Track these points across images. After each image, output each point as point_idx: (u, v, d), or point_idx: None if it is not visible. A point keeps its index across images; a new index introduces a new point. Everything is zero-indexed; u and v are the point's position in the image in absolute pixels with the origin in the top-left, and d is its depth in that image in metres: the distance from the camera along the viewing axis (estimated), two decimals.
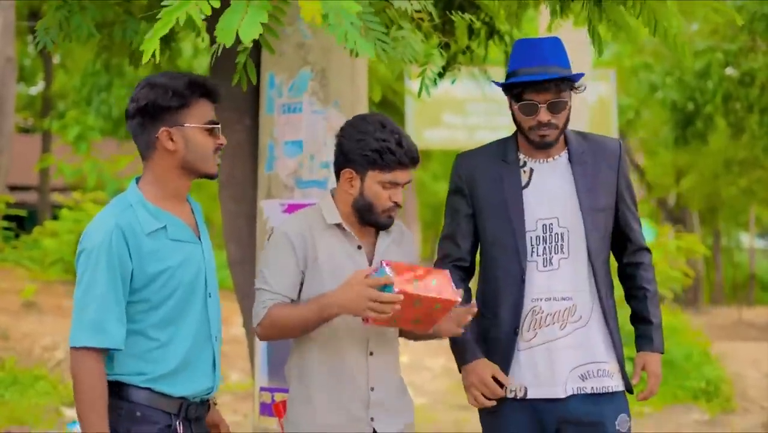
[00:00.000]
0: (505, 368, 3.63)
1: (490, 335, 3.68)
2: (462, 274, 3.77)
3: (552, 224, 3.60)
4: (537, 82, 3.54)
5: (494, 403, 3.65)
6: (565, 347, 3.59)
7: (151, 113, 3.12)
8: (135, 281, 3.08)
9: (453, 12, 4.73)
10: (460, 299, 3.35)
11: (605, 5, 4.25)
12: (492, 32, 5.15)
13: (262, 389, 4.59)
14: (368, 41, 3.43)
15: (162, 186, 3.17)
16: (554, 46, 3.60)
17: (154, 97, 3.11)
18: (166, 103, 3.10)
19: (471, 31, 5.09)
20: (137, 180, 3.21)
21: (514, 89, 3.60)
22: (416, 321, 3.37)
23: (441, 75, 5.11)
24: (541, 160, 3.66)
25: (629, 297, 3.80)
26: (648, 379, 3.72)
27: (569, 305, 3.59)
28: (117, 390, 3.08)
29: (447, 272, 3.39)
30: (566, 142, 3.68)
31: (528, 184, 3.65)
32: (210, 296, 3.24)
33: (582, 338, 3.59)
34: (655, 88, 18.25)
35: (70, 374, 3.06)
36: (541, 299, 3.60)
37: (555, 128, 3.58)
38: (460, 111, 17.66)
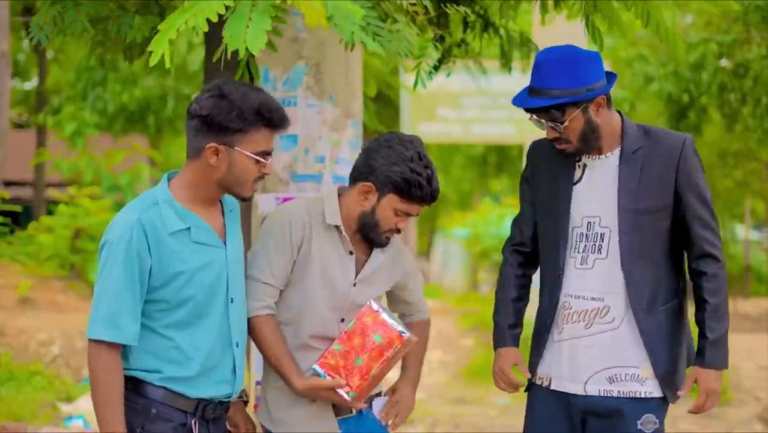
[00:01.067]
0: (536, 356, 3.69)
1: (535, 323, 3.74)
2: (521, 259, 3.82)
3: (595, 222, 3.59)
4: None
5: (514, 391, 3.73)
6: (589, 346, 3.59)
7: (207, 124, 3.08)
8: (153, 279, 3.07)
9: (447, 5, 4.72)
10: (405, 335, 3.43)
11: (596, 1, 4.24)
12: (486, 25, 5.14)
13: (257, 383, 4.59)
14: (368, 35, 3.45)
15: (193, 190, 3.16)
16: (563, 64, 3.51)
17: (216, 111, 3.06)
18: (225, 123, 3.07)
19: (466, 24, 5.08)
20: (169, 177, 3.20)
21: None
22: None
23: (436, 68, 5.10)
24: (594, 157, 3.64)
25: (696, 307, 3.70)
26: (699, 393, 3.62)
27: (599, 306, 3.57)
28: (133, 386, 3.09)
29: (369, 306, 3.46)
30: (623, 139, 3.62)
31: (580, 179, 3.64)
32: (232, 301, 3.23)
33: (611, 340, 3.57)
34: (651, 79, 18.23)
35: (88, 367, 3.07)
36: (572, 296, 3.61)
37: (567, 142, 3.56)
38: (455, 105, 17.66)
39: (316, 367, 3.41)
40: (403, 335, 3.42)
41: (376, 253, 3.59)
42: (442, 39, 5.03)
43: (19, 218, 18.42)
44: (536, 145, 3.82)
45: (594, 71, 3.54)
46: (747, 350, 13.09)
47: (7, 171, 15.97)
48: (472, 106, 17.71)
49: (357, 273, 3.56)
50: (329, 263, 3.50)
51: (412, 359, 3.71)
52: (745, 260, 29.59)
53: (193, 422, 3.14)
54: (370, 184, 3.47)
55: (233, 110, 3.07)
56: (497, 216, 25.28)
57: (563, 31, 7.02)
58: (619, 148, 3.61)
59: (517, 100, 3.61)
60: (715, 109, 17.45)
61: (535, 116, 3.58)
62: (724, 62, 16.77)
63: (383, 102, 13.49)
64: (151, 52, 5.08)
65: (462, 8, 4.71)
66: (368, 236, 3.53)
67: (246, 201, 3.25)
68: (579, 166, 3.66)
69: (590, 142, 3.57)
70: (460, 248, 27.11)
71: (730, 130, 17.77)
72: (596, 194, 3.60)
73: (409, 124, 18.07)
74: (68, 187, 15.54)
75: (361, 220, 3.51)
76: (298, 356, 3.48)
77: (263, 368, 3.60)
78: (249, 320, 3.44)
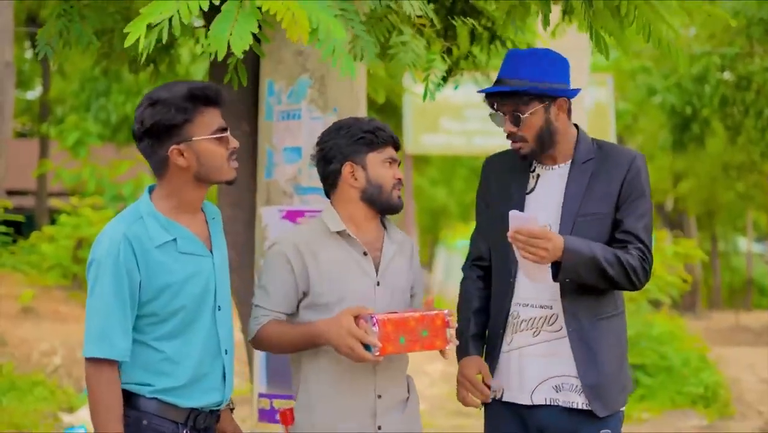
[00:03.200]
0: (491, 368, 3.66)
1: (488, 335, 3.72)
2: (481, 273, 3.81)
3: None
4: (497, 94, 3.57)
5: (478, 403, 3.67)
6: (536, 355, 3.56)
7: (157, 133, 3.07)
8: (143, 293, 3.07)
9: (455, 17, 4.73)
10: (448, 347, 3.39)
11: (597, 15, 4.24)
12: (493, 37, 5.15)
13: (260, 395, 4.59)
14: (357, 48, 3.46)
15: (176, 199, 3.15)
16: (534, 58, 3.55)
17: (158, 117, 3.05)
18: (171, 121, 3.05)
19: (473, 37, 5.09)
20: (150, 190, 3.19)
21: (486, 98, 3.62)
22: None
23: (444, 80, 5.10)
24: (548, 167, 3.64)
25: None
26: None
27: (547, 314, 3.55)
28: (125, 399, 3.08)
29: (445, 314, 3.39)
30: (575, 149, 3.62)
31: (533, 189, 3.64)
32: (219, 309, 3.23)
33: (559, 349, 3.53)
34: (654, 91, 18.27)
35: (86, 384, 3.07)
36: (521, 304, 3.59)
37: (523, 140, 3.55)
38: (458, 116, 17.69)
39: (374, 317, 3.29)
40: (446, 348, 3.41)
41: (387, 245, 3.56)
42: (449, 51, 5.05)
43: (22, 228, 18.42)
44: (490, 160, 3.83)
45: (560, 73, 3.57)
46: (749, 363, 13.08)
47: (10, 180, 16.00)
48: (474, 118, 17.74)
49: (377, 271, 3.53)
50: (348, 270, 3.47)
51: None
52: (748, 273, 29.59)
53: (184, 432, 3.14)
54: (348, 163, 3.49)
55: (170, 107, 3.06)
56: None
57: (566, 45, 7.03)
58: (572, 159, 3.62)
59: (482, 90, 3.63)
60: (718, 121, 17.49)
61: (496, 108, 3.57)
62: (727, 75, 16.81)
63: (387, 114, 13.51)
64: (155, 63, 5.13)
65: (469, 20, 4.72)
66: (381, 205, 3.51)
67: (231, 184, 3.22)
68: (533, 176, 3.65)
69: (545, 146, 3.57)
70: (462, 260, 27.11)
71: (733, 143, 17.80)
72: (548, 203, 3.59)
73: (412, 136, 18.09)
74: (71, 197, 15.55)
75: (366, 196, 3.50)
76: (344, 376, 3.45)
77: (298, 391, 3.55)
78: (253, 340, 3.46)
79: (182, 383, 3.12)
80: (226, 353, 3.24)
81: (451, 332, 3.39)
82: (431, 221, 36.13)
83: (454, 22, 4.73)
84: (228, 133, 3.16)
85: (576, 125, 3.67)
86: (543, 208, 3.59)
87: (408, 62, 3.95)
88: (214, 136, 3.12)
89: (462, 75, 5.29)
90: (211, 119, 3.12)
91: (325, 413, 3.46)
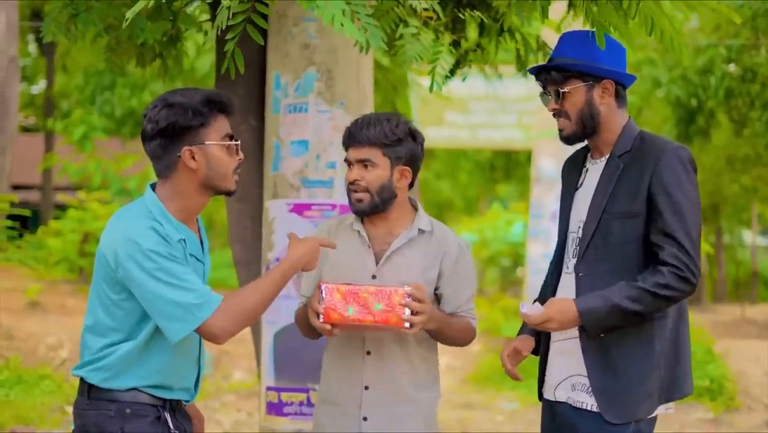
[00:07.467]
0: (544, 359, 3.65)
1: None
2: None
3: (581, 227, 3.51)
4: (541, 71, 3.57)
5: (517, 377, 3.62)
6: (558, 352, 3.56)
7: (171, 134, 3.10)
8: None
9: (463, 10, 4.72)
10: (406, 325, 3.33)
11: (600, 8, 4.22)
12: (502, 29, 5.13)
13: (268, 388, 4.60)
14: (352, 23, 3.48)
15: (181, 203, 3.16)
16: (583, 38, 3.53)
17: (174, 118, 3.08)
18: (187, 123, 3.09)
19: (482, 29, 5.07)
20: (152, 188, 3.19)
21: (537, 80, 3.61)
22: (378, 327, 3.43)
23: (452, 74, 5.09)
24: (594, 160, 3.58)
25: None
26: (542, 314, 3.38)
27: None
28: (103, 394, 3.13)
29: (405, 291, 3.34)
30: (617, 141, 3.52)
31: (582, 184, 3.60)
32: None
33: (574, 349, 3.47)
34: (659, 83, 18.22)
35: (223, 333, 3.08)
36: None
37: (567, 118, 3.51)
38: (463, 110, 17.66)
39: (323, 285, 3.39)
40: (402, 327, 3.34)
41: (398, 239, 3.57)
42: (457, 43, 5.04)
43: (28, 222, 18.46)
44: (566, 161, 3.77)
45: (609, 57, 3.51)
46: (754, 356, 13.04)
47: (16, 175, 16.02)
48: (479, 111, 17.72)
49: (377, 263, 3.55)
50: (348, 261, 3.52)
51: (454, 320, 3.57)
52: (752, 266, 29.55)
53: (165, 414, 3.18)
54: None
55: (188, 110, 3.10)
56: (505, 222, 25.28)
57: None
58: (610, 151, 3.53)
59: (530, 68, 3.65)
60: (723, 114, 17.44)
61: (544, 86, 3.56)
62: (732, 67, 16.76)
63: (392, 108, 13.47)
64: (162, 57, 5.13)
65: (476, 13, 4.71)
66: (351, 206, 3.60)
67: (231, 195, 3.26)
68: (584, 171, 3.62)
69: (587, 128, 3.50)
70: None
71: (738, 136, 17.76)
72: (587, 199, 3.53)
73: None
74: (77, 192, 15.57)
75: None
76: (337, 367, 3.60)
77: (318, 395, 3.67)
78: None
79: (157, 384, 3.17)
80: (202, 359, 3.31)
81: (409, 313, 3.32)
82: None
83: (461, 15, 4.72)
84: (238, 143, 3.20)
85: (630, 117, 3.57)
86: (585, 203, 3.54)
87: (414, 54, 3.95)
88: (225, 142, 3.15)
89: (470, 67, 5.28)
90: (222, 126, 3.17)
91: (323, 397, 3.63)
